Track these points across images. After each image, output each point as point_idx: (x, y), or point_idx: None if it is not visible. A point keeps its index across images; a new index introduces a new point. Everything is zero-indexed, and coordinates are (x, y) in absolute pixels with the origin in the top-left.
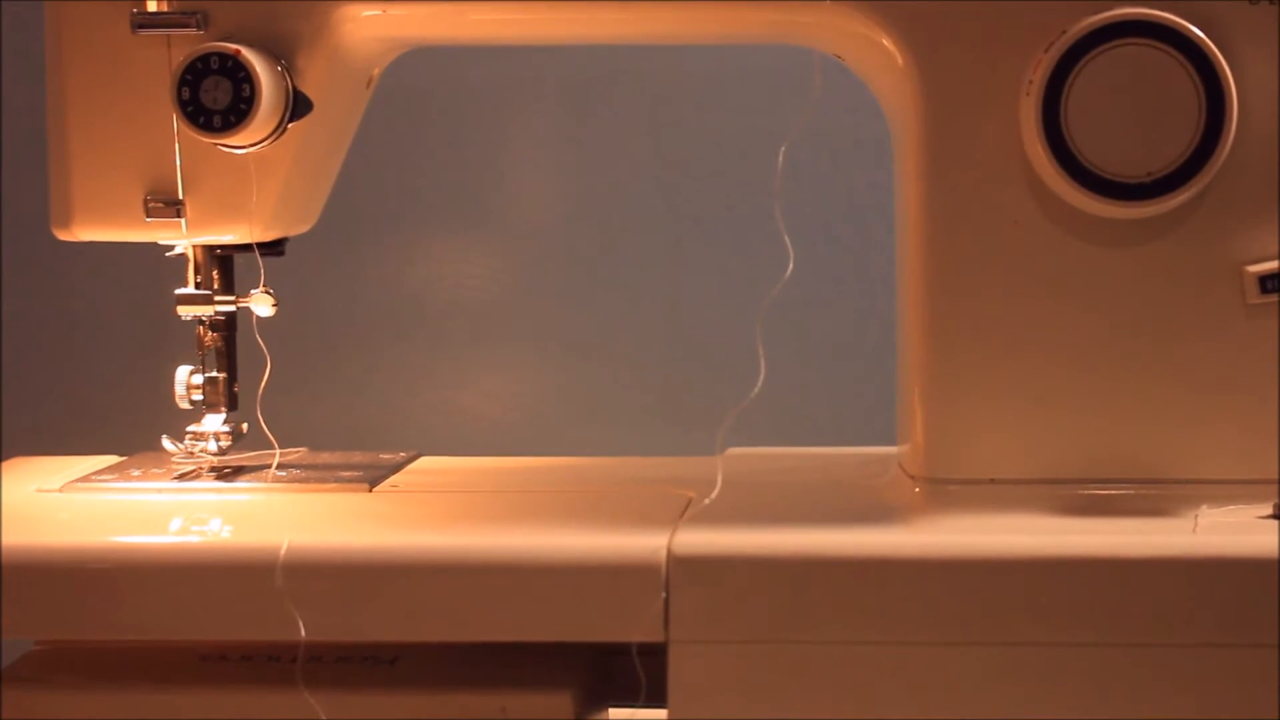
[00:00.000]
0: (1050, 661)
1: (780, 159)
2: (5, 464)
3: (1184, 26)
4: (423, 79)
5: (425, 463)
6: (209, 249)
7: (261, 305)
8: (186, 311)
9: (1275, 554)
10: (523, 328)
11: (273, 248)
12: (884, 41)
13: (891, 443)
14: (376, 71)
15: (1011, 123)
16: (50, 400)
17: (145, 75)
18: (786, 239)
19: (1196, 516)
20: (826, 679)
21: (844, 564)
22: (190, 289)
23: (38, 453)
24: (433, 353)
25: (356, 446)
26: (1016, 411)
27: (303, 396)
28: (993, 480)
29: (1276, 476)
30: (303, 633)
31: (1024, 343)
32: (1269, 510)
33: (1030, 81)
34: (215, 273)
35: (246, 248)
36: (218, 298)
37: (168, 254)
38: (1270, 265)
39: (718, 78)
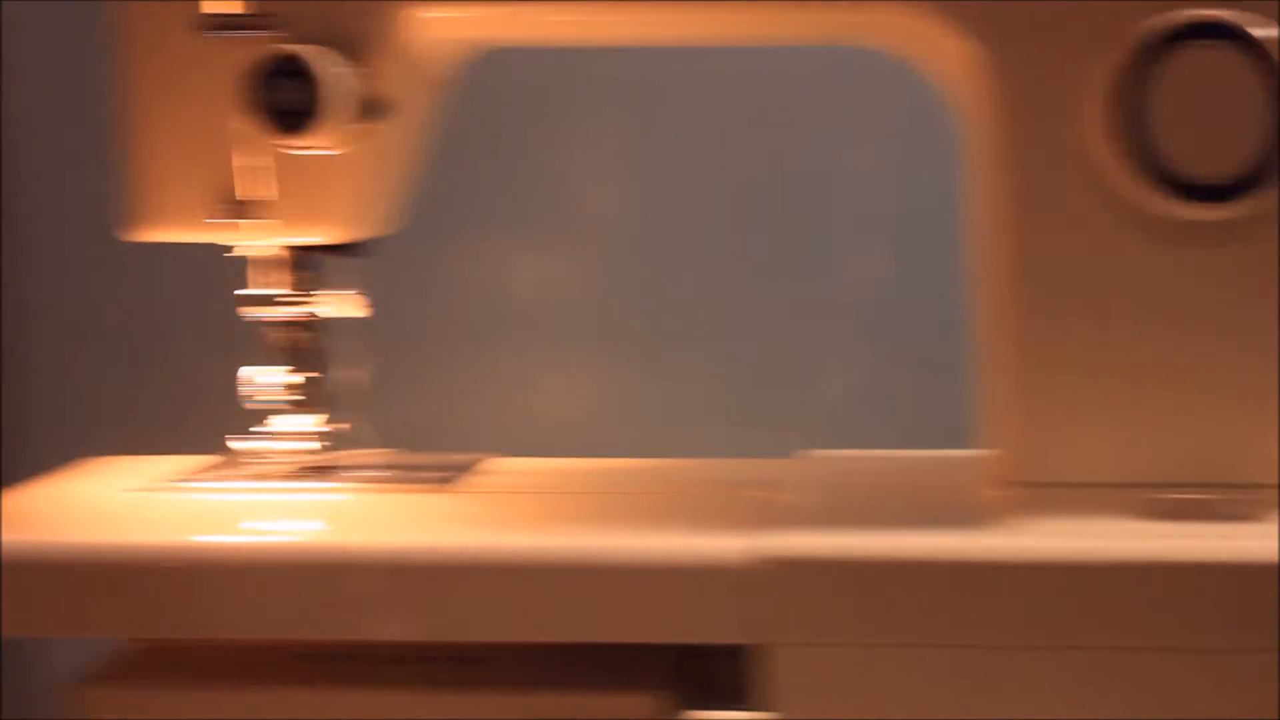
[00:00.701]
0: (1145, 666)
1: (846, 161)
2: (90, 464)
3: (1254, 29)
4: (491, 80)
5: (500, 463)
6: (292, 250)
7: (348, 307)
8: (264, 313)
9: None
10: (593, 329)
11: (350, 250)
12: (954, 42)
13: (961, 446)
14: (450, 73)
15: (1086, 123)
16: (134, 400)
17: (216, 77)
18: (855, 242)
19: None
20: (913, 683)
21: (934, 566)
22: (275, 291)
23: (122, 453)
24: (501, 353)
25: (431, 447)
26: (1106, 415)
27: (380, 398)
28: (1083, 484)
29: None
30: (390, 632)
31: (1112, 347)
32: None
33: (1104, 83)
34: (294, 275)
35: (324, 249)
36: (314, 294)
37: (226, 254)
38: None
39: (784, 78)
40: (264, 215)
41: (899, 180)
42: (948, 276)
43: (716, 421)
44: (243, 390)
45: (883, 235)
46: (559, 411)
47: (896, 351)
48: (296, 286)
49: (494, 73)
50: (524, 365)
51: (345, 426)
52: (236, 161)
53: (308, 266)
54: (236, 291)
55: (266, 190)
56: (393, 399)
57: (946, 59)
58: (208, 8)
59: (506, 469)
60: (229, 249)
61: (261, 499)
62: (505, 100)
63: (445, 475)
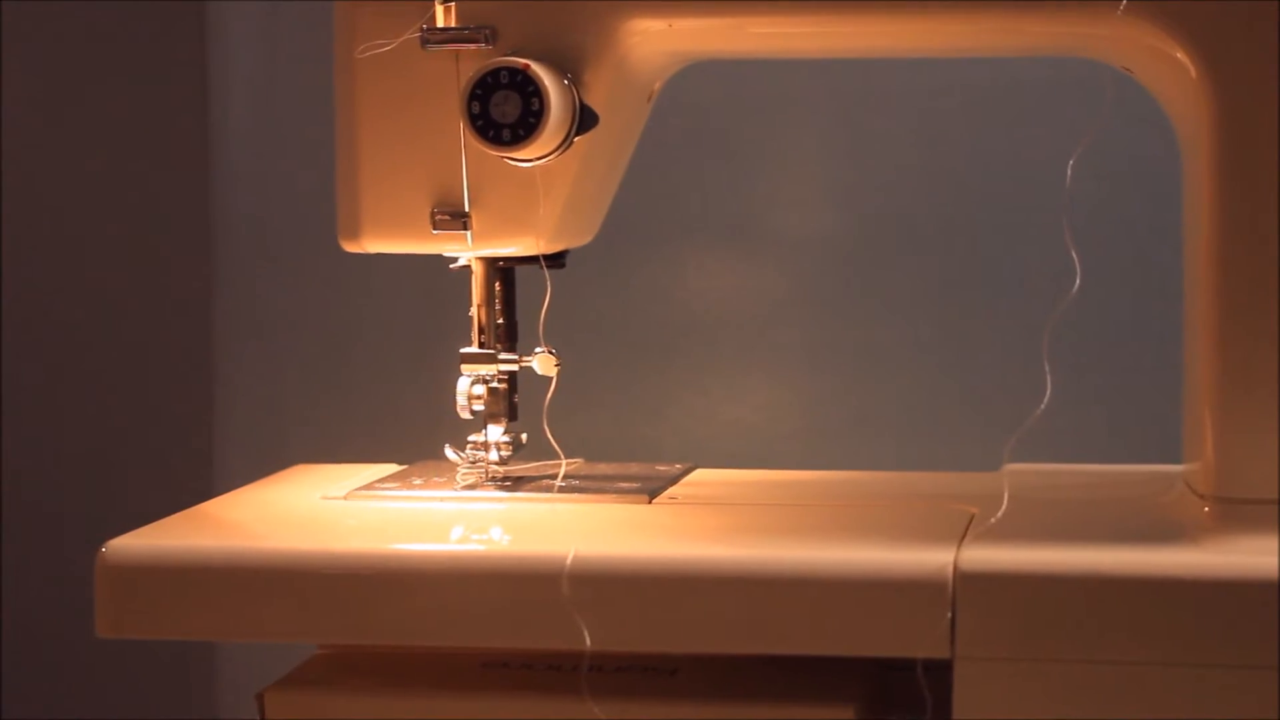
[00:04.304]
0: None
1: (1069, 173)
2: (290, 471)
3: None
4: (698, 92)
5: (700, 474)
6: (492, 261)
7: (544, 365)
8: (471, 370)
9: None
10: (794, 341)
11: (555, 260)
12: (1177, 54)
13: (1177, 462)
14: (658, 85)
15: None
16: (332, 409)
17: (434, 89)
18: (1074, 253)
19: None
20: (1113, 700)
21: (1134, 583)
22: (474, 348)
23: (321, 460)
24: (703, 365)
25: (628, 458)
26: None
27: (577, 407)
28: None
29: None
30: (588, 641)
31: None
32: None
33: None
34: (498, 285)
35: (530, 260)
36: (502, 355)
37: (451, 266)
38: None
39: (995, 90)
40: (479, 225)
41: (1117, 194)
42: (1163, 291)
43: (924, 434)
44: (444, 400)
45: (1097, 249)
46: (764, 422)
47: (1111, 366)
48: (501, 297)
49: (704, 84)
50: (728, 377)
51: (545, 436)
52: (452, 173)
53: (514, 277)
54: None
55: (480, 201)
56: (594, 410)
57: (1167, 71)
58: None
59: (709, 480)
60: (449, 261)
61: (458, 508)
62: (713, 112)
63: (649, 486)
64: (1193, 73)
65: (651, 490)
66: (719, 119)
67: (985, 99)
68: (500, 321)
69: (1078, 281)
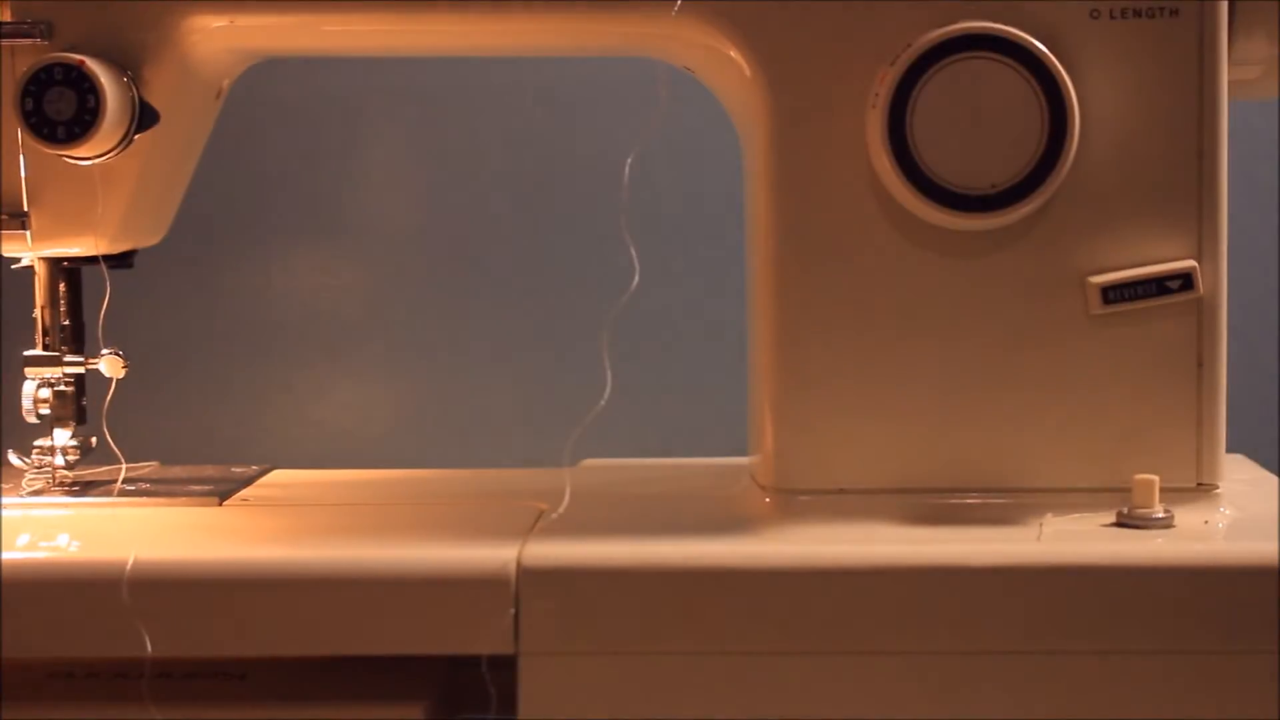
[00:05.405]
0: (897, 668)
1: (627, 171)
2: None
3: (1027, 41)
4: (275, 89)
5: (278, 476)
6: (56, 262)
7: (111, 367)
8: (35, 374)
9: (1109, 561)
10: (377, 340)
11: (121, 260)
12: (732, 53)
13: (746, 453)
14: (227, 83)
15: (858, 135)
16: None
17: None
18: (633, 250)
19: (1041, 525)
20: (677, 690)
21: (694, 575)
22: (39, 350)
23: None
24: (286, 365)
25: (212, 461)
26: (864, 422)
27: (156, 411)
28: (841, 490)
29: (1121, 485)
30: (149, 648)
31: (871, 353)
32: (1112, 518)
33: (876, 94)
34: (62, 286)
35: (94, 260)
36: (67, 358)
37: (13, 266)
38: (1112, 276)
39: (568, 88)
40: (39, 225)
41: (684, 190)
42: (734, 285)
43: (506, 431)
44: (11, 404)
45: (668, 245)
46: (348, 422)
47: (679, 358)
48: (66, 299)
49: (280, 81)
50: (312, 377)
51: (106, 440)
52: (11, 172)
53: (79, 278)
54: (25, 353)
55: (41, 200)
56: (180, 413)
57: (724, 69)
58: None
59: (286, 481)
60: (12, 261)
61: (23, 514)
62: (292, 109)
63: (221, 488)
64: (747, 71)
65: (223, 493)
66: (302, 116)
67: (561, 97)
68: (66, 323)
69: (636, 277)
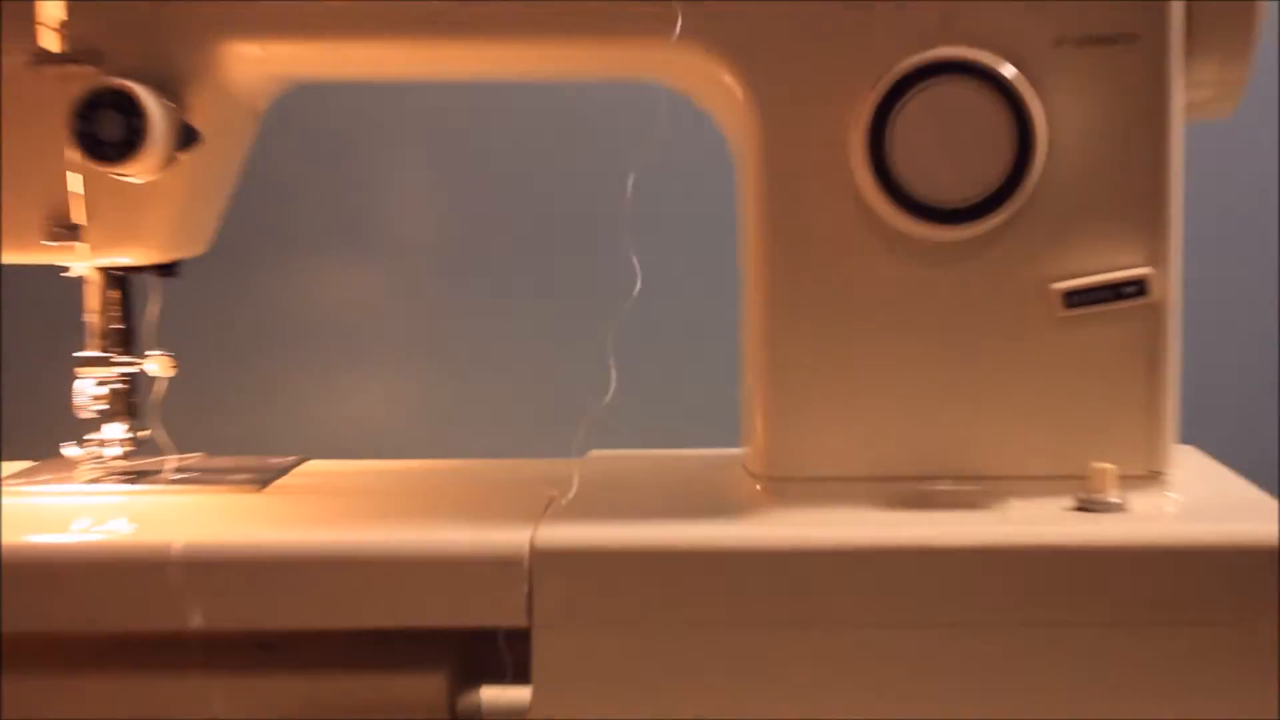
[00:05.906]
0: (877, 639)
1: (630, 185)
2: None
3: (995, 66)
4: (308, 112)
5: (311, 466)
6: (107, 270)
7: (161, 368)
8: (88, 374)
9: (1066, 542)
10: (401, 343)
11: (169, 269)
12: (725, 78)
13: (739, 445)
14: (264, 105)
15: (842, 153)
16: None
17: (44, 108)
18: (635, 260)
19: (1007, 509)
20: (677, 660)
21: (692, 555)
22: (92, 352)
23: None
24: (319, 365)
25: (252, 452)
26: (847, 416)
27: (202, 406)
28: (826, 478)
29: (1080, 473)
30: (197, 622)
31: (855, 353)
32: (1071, 503)
33: (858, 116)
34: (115, 293)
35: (144, 269)
36: (118, 359)
37: (62, 274)
38: (1074, 283)
39: (575, 110)
40: (90, 238)
41: (683, 204)
42: (729, 292)
43: (520, 424)
44: (78, 402)
45: (668, 255)
46: (376, 416)
47: (678, 358)
48: (118, 304)
49: (313, 105)
50: (341, 375)
51: (159, 434)
52: (65, 187)
53: (128, 285)
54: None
55: (90, 214)
56: (219, 408)
57: (718, 93)
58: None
59: (319, 470)
60: (65, 269)
61: (84, 501)
62: (322, 131)
63: (260, 477)
64: (740, 95)
65: (262, 480)
66: (332, 137)
67: (570, 118)
68: (117, 327)
69: (639, 284)
